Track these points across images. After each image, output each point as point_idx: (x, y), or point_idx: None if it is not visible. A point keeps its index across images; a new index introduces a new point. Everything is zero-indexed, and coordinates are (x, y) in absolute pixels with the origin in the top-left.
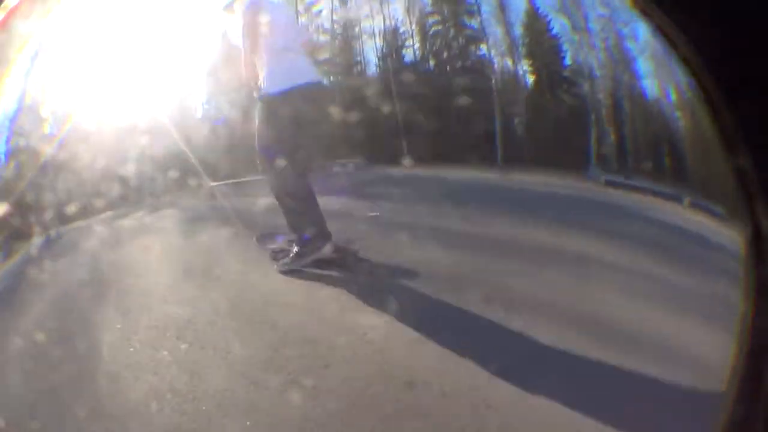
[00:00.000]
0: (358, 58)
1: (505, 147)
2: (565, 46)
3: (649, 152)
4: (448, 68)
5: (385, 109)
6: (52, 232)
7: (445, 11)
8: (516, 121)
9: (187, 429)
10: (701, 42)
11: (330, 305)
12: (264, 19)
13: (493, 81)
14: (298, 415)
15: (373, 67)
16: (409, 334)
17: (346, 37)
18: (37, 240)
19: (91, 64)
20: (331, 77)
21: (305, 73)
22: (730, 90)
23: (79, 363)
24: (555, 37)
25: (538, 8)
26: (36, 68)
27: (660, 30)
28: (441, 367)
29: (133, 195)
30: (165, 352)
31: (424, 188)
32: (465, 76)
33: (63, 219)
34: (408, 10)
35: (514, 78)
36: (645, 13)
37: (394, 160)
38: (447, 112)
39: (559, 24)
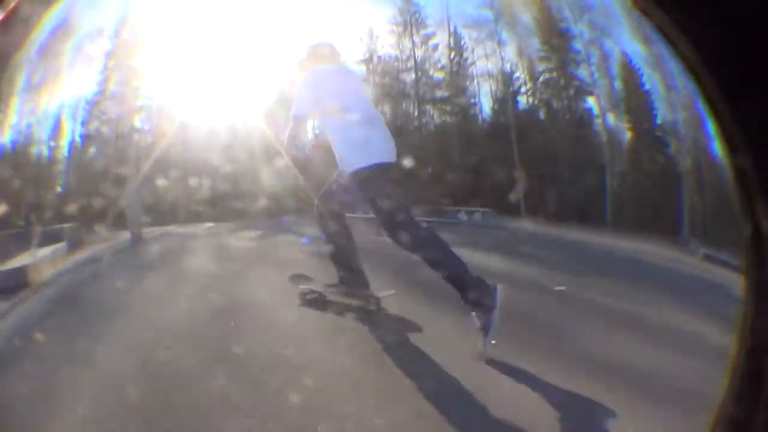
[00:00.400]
0: (474, 101)
1: (613, 207)
2: (656, 103)
3: (728, 221)
4: (559, 118)
5: (505, 157)
6: (139, 233)
7: (554, 59)
8: (621, 180)
9: None
10: (701, 42)
11: None
12: (330, 85)
13: (605, 137)
14: None
15: (488, 111)
16: None
17: (462, 76)
18: (120, 239)
19: (188, 66)
20: (450, 118)
21: (381, 153)
22: (730, 90)
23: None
24: (648, 92)
25: (631, 60)
26: (122, 55)
27: (660, 30)
28: None
29: (238, 210)
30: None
31: (561, 251)
32: (576, 129)
33: (154, 220)
34: (520, 54)
35: (617, 134)
36: (645, 13)
37: (513, 210)
38: (560, 165)
39: (650, 79)
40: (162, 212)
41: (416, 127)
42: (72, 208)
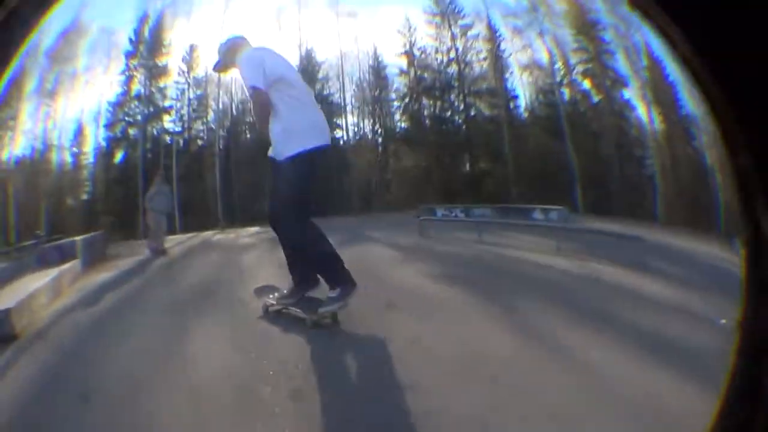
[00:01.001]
0: (515, 93)
1: (663, 202)
2: (680, 95)
3: None
4: (600, 110)
5: (559, 152)
6: (160, 245)
7: (591, 49)
8: (664, 175)
9: None
10: (701, 42)
11: None
12: (268, 60)
13: (646, 129)
14: None
15: (531, 102)
16: None
17: (502, 67)
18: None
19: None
20: (494, 111)
21: (313, 137)
22: (730, 90)
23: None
24: (672, 84)
25: (653, 52)
26: (144, 54)
27: (660, 30)
28: None
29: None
30: None
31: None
32: (618, 120)
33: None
34: (557, 44)
35: (652, 126)
36: (645, 13)
37: (571, 206)
38: (606, 158)
39: (672, 71)
40: (195, 218)
41: (463, 121)
42: (97, 217)
